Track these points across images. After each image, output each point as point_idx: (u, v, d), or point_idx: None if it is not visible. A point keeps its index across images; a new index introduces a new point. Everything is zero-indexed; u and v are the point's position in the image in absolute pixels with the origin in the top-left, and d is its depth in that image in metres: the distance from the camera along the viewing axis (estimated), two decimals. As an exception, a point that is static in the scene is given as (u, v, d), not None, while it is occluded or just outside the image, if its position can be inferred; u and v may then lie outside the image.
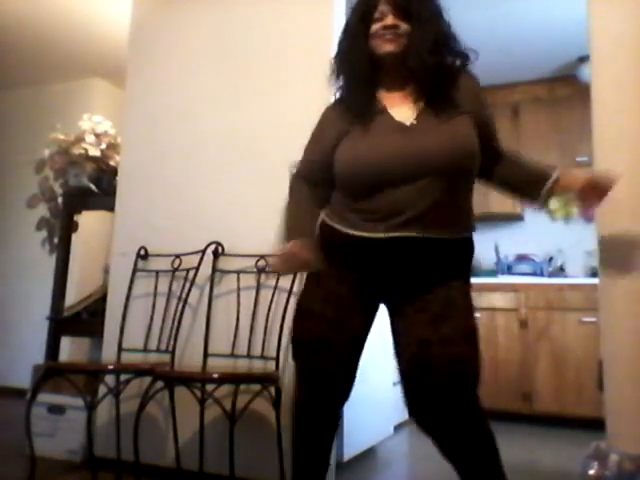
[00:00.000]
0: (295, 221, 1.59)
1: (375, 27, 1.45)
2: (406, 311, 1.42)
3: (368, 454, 2.59)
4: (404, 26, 1.43)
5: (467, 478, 1.37)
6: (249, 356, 2.15)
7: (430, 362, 1.33)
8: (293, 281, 2.11)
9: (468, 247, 1.48)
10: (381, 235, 1.39)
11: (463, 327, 1.37)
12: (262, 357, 2.12)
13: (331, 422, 1.52)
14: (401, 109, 1.46)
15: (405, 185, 1.37)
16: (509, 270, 4.11)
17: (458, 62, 1.47)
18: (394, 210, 1.39)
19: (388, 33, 1.43)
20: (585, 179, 1.47)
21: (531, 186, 1.53)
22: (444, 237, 1.40)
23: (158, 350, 2.29)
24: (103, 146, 2.91)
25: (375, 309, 1.52)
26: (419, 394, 1.35)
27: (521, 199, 1.63)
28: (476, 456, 1.36)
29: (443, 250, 1.41)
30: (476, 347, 1.37)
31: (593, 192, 1.48)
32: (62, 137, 2.93)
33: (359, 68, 1.48)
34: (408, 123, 1.43)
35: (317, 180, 1.57)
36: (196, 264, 2.30)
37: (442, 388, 1.32)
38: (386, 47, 1.44)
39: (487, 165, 1.51)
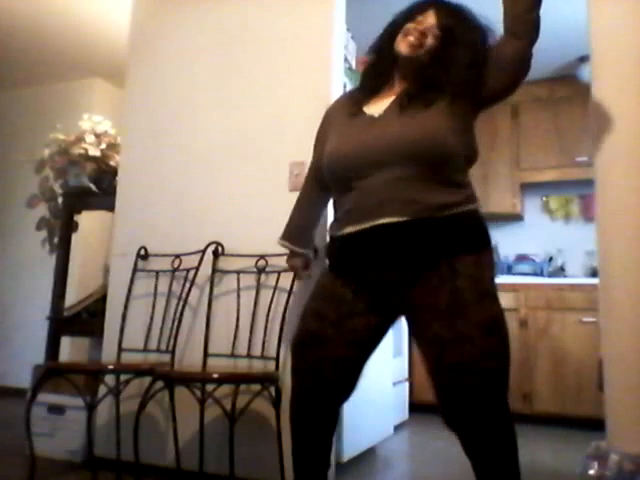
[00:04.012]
0: (289, 221, 1.78)
1: (408, 25, 1.46)
2: (416, 311, 1.39)
3: (368, 454, 2.59)
4: (430, 41, 1.44)
5: (485, 476, 1.35)
6: (249, 356, 2.15)
7: (453, 362, 1.29)
8: (293, 281, 2.11)
9: (461, 222, 1.38)
10: (358, 228, 1.40)
11: (480, 320, 1.31)
12: (262, 357, 2.12)
13: (325, 420, 1.50)
14: (379, 104, 1.49)
15: (371, 173, 1.39)
16: (509, 270, 4.11)
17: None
18: (365, 200, 1.40)
19: (413, 34, 1.44)
20: None
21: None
22: (422, 217, 1.35)
23: (158, 350, 2.29)
24: (103, 146, 2.91)
25: (386, 313, 1.47)
26: (448, 395, 1.32)
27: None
28: (498, 457, 1.33)
29: (426, 232, 1.35)
30: (499, 340, 1.32)
31: None
32: (62, 137, 2.94)
33: (385, 65, 1.52)
34: (377, 115, 1.47)
35: (323, 179, 1.60)
36: (196, 264, 2.30)
37: (469, 389, 1.28)
38: (403, 48, 1.46)
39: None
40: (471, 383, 1.28)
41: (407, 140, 1.37)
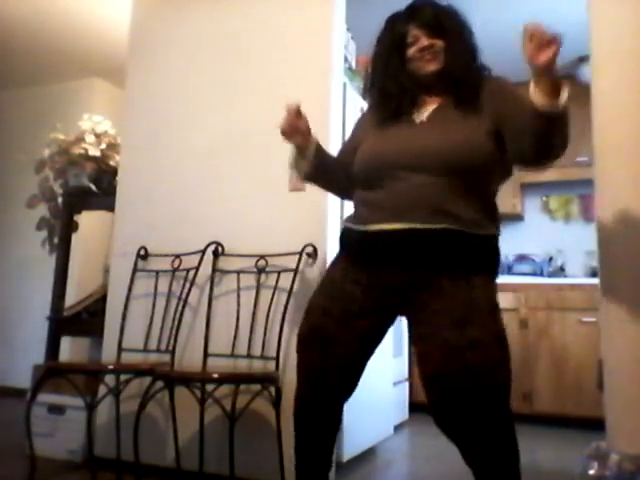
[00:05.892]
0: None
1: (411, 51, 1.50)
2: (426, 314, 1.37)
3: (368, 454, 2.59)
4: (439, 43, 1.49)
5: None
6: (249, 356, 2.15)
7: (462, 368, 1.28)
8: (293, 281, 2.11)
9: (484, 243, 1.42)
10: (384, 227, 1.41)
11: (492, 330, 1.33)
12: (262, 357, 2.12)
13: (329, 419, 1.50)
14: (422, 110, 1.52)
15: (405, 175, 1.41)
16: (509, 270, 4.11)
17: (485, 72, 1.54)
18: (395, 201, 1.41)
19: (427, 54, 1.49)
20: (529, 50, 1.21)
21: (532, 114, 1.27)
22: (447, 228, 1.36)
23: (158, 350, 2.29)
24: (103, 146, 2.91)
25: (391, 313, 1.49)
26: (449, 402, 1.30)
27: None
28: (500, 464, 1.32)
29: (449, 242, 1.37)
30: (507, 351, 1.34)
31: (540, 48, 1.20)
32: (62, 137, 2.94)
33: (406, 91, 1.52)
34: (418, 121, 1.50)
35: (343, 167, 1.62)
36: (196, 264, 2.30)
37: (475, 396, 1.27)
38: (428, 67, 1.49)
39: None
40: (477, 389, 1.28)
41: (446, 148, 1.39)
